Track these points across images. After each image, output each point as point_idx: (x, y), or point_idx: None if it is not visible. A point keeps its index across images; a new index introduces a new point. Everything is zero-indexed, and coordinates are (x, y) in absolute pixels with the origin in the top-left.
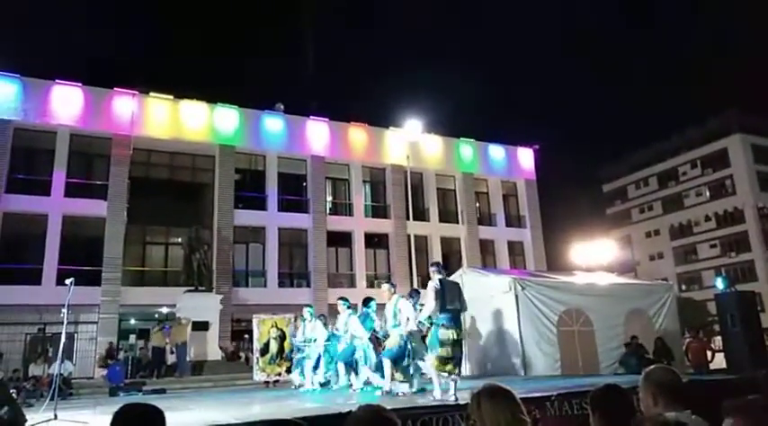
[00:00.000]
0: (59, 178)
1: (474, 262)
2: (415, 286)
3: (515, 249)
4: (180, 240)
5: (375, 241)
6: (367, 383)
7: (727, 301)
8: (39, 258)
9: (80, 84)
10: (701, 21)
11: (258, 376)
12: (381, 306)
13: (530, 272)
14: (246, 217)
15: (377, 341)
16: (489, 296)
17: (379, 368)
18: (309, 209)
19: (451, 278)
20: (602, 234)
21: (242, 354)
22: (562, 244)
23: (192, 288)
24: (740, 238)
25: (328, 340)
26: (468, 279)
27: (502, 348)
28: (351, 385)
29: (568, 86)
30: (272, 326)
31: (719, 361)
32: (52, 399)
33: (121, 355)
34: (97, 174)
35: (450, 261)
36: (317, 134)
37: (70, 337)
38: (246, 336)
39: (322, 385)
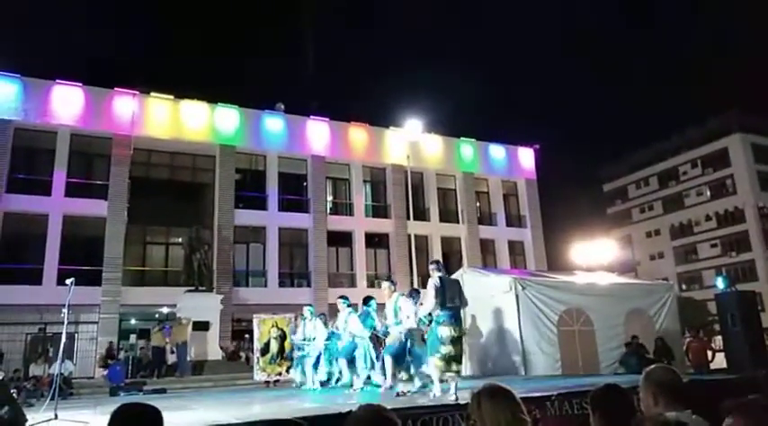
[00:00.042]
0: (60, 178)
1: (474, 262)
2: (416, 285)
3: (516, 249)
4: (180, 240)
5: (375, 241)
6: (367, 382)
7: (727, 301)
8: (39, 258)
9: (80, 84)
10: (701, 21)
11: (258, 375)
12: (382, 306)
13: (530, 272)
14: (247, 217)
15: (377, 340)
16: (490, 295)
17: (380, 367)
18: (310, 209)
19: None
20: (602, 233)
21: (242, 354)
22: (562, 243)
23: (193, 287)
24: (741, 238)
25: (328, 338)
26: (469, 279)
27: (502, 347)
28: (352, 384)
29: (568, 86)
30: (273, 326)
31: (720, 361)
32: (53, 399)
33: (122, 355)
34: (97, 174)
35: (451, 261)
36: (318, 134)
37: (71, 337)
38: (247, 336)
39: (322, 383)
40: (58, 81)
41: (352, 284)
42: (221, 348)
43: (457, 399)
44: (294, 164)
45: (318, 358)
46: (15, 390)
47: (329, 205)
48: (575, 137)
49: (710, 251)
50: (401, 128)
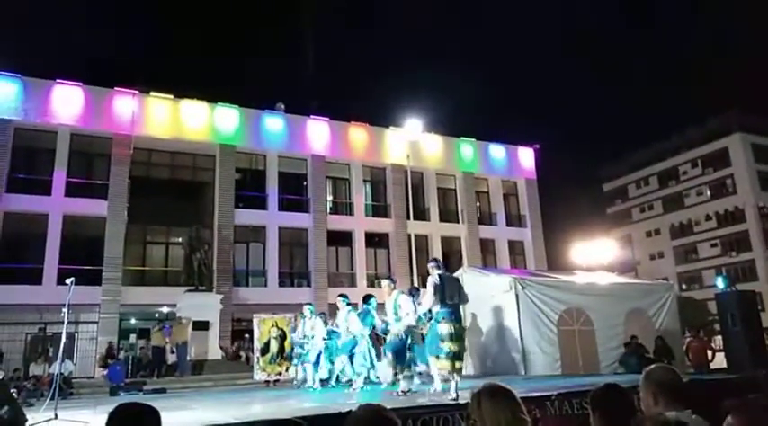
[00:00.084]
0: (60, 177)
1: (474, 262)
2: (416, 285)
3: (516, 248)
4: (180, 239)
5: (375, 240)
6: (367, 381)
7: (727, 300)
8: (39, 257)
9: (80, 84)
10: (701, 21)
11: (258, 375)
12: (382, 305)
13: (530, 272)
14: (247, 217)
15: (377, 338)
16: (490, 295)
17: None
18: (310, 209)
19: None
20: (602, 233)
21: (242, 354)
22: (562, 243)
23: (193, 287)
24: (741, 237)
25: (328, 337)
26: (469, 279)
27: (502, 347)
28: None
29: (568, 86)
30: (273, 326)
31: (720, 361)
32: (53, 399)
33: (122, 355)
34: (98, 174)
35: (451, 261)
36: (318, 133)
37: (71, 337)
38: (247, 336)
39: (323, 382)
40: (58, 81)
41: (353, 284)
42: (221, 347)
43: (457, 398)
44: (294, 164)
45: (319, 356)
46: (15, 390)
47: (329, 204)
48: (575, 137)
49: (710, 250)
50: (401, 127)
